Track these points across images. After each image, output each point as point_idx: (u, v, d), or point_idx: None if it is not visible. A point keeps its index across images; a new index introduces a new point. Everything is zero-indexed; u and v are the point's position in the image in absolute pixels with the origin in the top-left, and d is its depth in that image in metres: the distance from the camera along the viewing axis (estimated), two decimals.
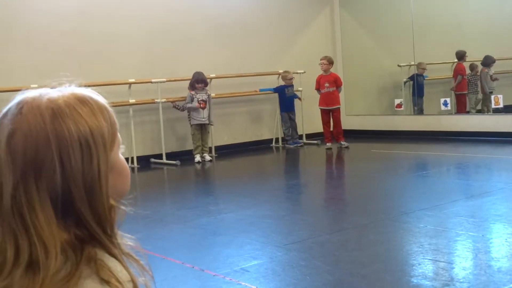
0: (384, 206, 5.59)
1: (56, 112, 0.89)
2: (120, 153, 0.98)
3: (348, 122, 10.83)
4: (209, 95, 9.14)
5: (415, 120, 10.74)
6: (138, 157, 8.79)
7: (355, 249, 4.23)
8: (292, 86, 10.22)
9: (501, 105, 9.88)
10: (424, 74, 10.94)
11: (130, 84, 8.73)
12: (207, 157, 9.08)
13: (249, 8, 10.42)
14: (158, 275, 3.84)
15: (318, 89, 9.81)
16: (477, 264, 3.80)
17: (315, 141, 10.35)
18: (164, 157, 9.03)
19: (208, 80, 9.25)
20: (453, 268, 3.75)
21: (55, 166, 0.87)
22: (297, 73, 10.39)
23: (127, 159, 8.87)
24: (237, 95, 10.11)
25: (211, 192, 7.23)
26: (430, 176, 7.28)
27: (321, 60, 9.73)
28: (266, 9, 10.64)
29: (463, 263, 3.83)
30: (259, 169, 8.80)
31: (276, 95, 10.33)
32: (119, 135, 0.97)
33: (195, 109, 8.99)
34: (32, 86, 7.45)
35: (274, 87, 10.29)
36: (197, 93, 9.01)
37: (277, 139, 10.48)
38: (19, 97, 0.93)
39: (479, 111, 10.60)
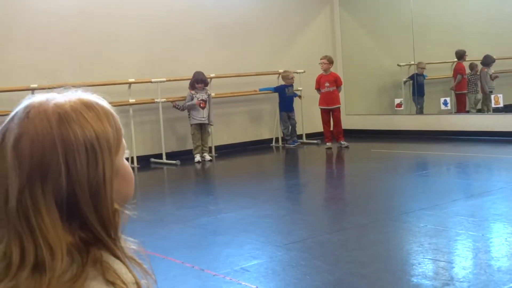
0: (384, 206, 5.59)
1: (63, 116, 0.90)
2: (125, 159, 0.99)
3: (348, 121, 10.83)
4: (209, 95, 9.15)
5: (415, 120, 10.75)
6: (138, 157, 8.78)
7: (355, 249, 4.23)
8: (292, 85, 10.23)
9: (501, 105, 9.88)
10: (424, 74, 10.94)
11: (130, 84, 8.73)
12: (207, 157, 9.08)
13: (249, 8, 10.42)
14: (158, 275, 3.83)
15: (318, 88, 9.81)
16: (477, 263, 3.80)
17: (315, 141, 10.35)
18: (164, 157, 9.04)
19: (208, 80, 9.25)
20: (453, 267, 3.76)
21: (61, 170, 0.88)
22: (297, 72, 10.39)
23: (127, 158, 8.93)
24: (237, 94, 10.11)
25: (211, 191, 7.23)
26: (430, 176, 7.28)
27: (321, 59, 9.73)
28: (266, 9, 10.64)
29: (463, 263, 3.83)
30: (259, 169, 8.81)
31: (276, 95, 10.33)
32: (124, 140, 0.98)
33: (195, 108, 8.99)
34: (32, 86, 7.49)
35: (274, 86, 10.30)
36: (197, 93, 9.01)
37: (277, 139, 10.48)
38: (26, 101, 0.94)
39: (479, 111, 10.60)
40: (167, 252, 4.30)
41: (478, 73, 10.61)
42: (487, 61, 10.40)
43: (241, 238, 4.64)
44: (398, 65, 11.13)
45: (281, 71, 10.34)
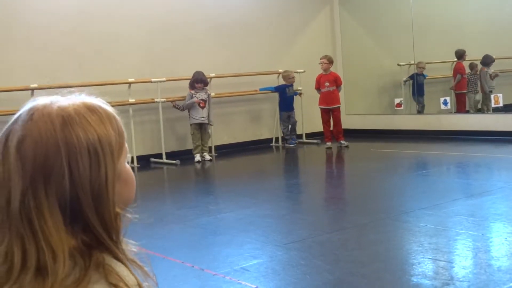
0: (384, 206, 5.59)
1: (66, 119, 0.91)
2: (127, 162, 0.99)
3: (348, 121, 10.83)
4: (208, 95, 9.15)
5: (415, 119, 10.75)
6: (138, 157, 8.79)
7: (355, 248, 4.23)
8: (292, 85, 10.23)
9: (501, 104, 9.88)
10: (424, 73, 10.95)
11: (130, 83, 8.73)
12: (207, 157, 9.09)
13: (249, 8, 10.42)
14: (158, 274, 3.83)
15: (318, 88, 9.81)
16: (477, 263, 3.80)
17: (315, 141, 10.35)
18: (164, 156, 9.04)
19: (208, 80, 9.25)
20: (453, 267, 3.76)
21: (64, 172, 0.89)
22: (297, 72, 10.39)
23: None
24: (237, 94, 10.11)
25: (211, 191, 7.23)
26: (430, 175, 7.28)
27: (321, 59, 9.73)
28: (266, 9, 10.64)
29: (463, 262, 3.83)
30: (259, 169, 8.81)
31: (276, 94, 10.34)
32: (126, 144, 0.99)
33: (195, 108, 8.99)
34: (32, 86, 7.50)
35: (274, 86, 10.30)
36: (196, 93, 9.02)
37: (276, 139, 10.49)
38: (30, 104, 0.94)
39: (479, 110, 10.61)
40: (167, 252, 4.30)
41: (478, 73, 10.61)
42: (487, 60, 10.40)
43: (241, 238, 4.64)
44: (398, 64, 11.13)
45: (281, 71, 10.34)
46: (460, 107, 10.80)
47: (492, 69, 10.42)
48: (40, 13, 8.32)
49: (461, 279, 3.49)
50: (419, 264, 3.80)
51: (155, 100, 8.96)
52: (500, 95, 9.93)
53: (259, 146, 10.38)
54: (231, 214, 5.56)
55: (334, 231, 4.73)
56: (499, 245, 4.16)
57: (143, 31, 9.18)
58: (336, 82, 9.70)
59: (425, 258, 3.91)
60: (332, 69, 9.87)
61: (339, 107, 9.81)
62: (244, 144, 10.26)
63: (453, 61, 10.87)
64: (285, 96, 10.20)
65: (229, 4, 10.18)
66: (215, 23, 9.95)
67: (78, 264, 0.89)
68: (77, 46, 8.55)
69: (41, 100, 0.94)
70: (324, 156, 9.47)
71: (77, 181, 0.89)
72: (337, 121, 9.73)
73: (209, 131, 9.31)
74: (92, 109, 0.94)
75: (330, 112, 9.75)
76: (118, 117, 0.98)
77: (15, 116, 0.93)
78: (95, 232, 0.91)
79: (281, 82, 10.32)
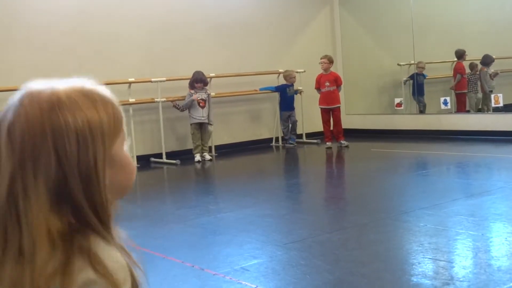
0: (384, 205, 5.59)
1: (56, 103, 0.91)
2: (125, 149, 0.99)
3: (348, 121, 10.83)
4: (208, 95, 9.15)
5: (415, 119, 10.75)
6: (138, 157, 8.79)
7: (355, 248, 4.23)
8: (292, 85, 10.24)
9: (501, 104, 9.89)
10: (424, 73, 10.95)
11: (130, 83, 8.73)
12: (207, 157, 9.09)
13: (249, 8, 10.43)
14: (158, 274, 3.84)
15: (318, 88, 9.81)
16: (477, 263, 3.80)
17: (315, 140, 10.35)
18: (164, 156, 9.04)
19: (208, 80, 9.26)
20: (453, 267, 3.76)
21: (50, 156, 0.89)
22: (297, 72, 10.39)
23: None
24: (237, 94, 10.11)
25: (211, 191, 7.23)
26: (430, 175, 7.28)
27: (321, 59, 9.73)
28: (266, 9, 10.64)
29: (463, 262, 3.83)
30: (259, 168, 8.81)
31: (276, 94, 10.35)
32: (125, 130, 0.99)
33: (194, 107, 8.99)
34: None
35: (275, 86, 10.31)
36: (196, 92, 9.02)
37: (276, 138, 10.49)
38: (24, 88, 0.95)
39: (479, 110, 10.61)
40: (167, 252, 4.31)
41: (478, 73, 10.61)
42: (487, 60, 10.40)
43: (241, 238, 4.64)
44: (398, 64, 11.13)
45: (281, 70, 10.34)
46: (460, 107, 10.80)
47: (492, 69, 10.42)
48: (40, 13, 8.32)
49: (461, 279, 3.49)
50: (419, 264, 3.80)
51: (155, 100, 8.96)
52: (500, 95, 9.93)
53: (259, 146, 10.38)
54: (231, 213, 5.56)
55: (334, 231, 4.73)
56: (499, 245, 4.16)
57: (143, 31, 9.18)
58: (336, 82, 9.70)
59: (425, 258, 3.91)
60: (332, 69, 9.88)
61: (339, 107, 9.81)
62: (244, 144, 10.26)
63: (453, 61, 10.87)
64: (286, 96, 10.20)
65: (229, 4, 10.18)
66: (215, 23, 9.95)
67: (60, 250, 0.89)
68: (77, 46, 8.55)
69: (35, 84, 0.95)
70: (324, 156, 9.47)
71: (65, 164, 0.90)
72: (337, 121, 9.73)
73: (210, 128, 9.29)
74: (86, 94, 0.94)
75: (330, 112, 9.75)
76: (116, 103, 0.98)
77: (10, 102, 0.94)
78: (83, 214, 0.91)
79: (281, 82, 10.32)
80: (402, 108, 10.87)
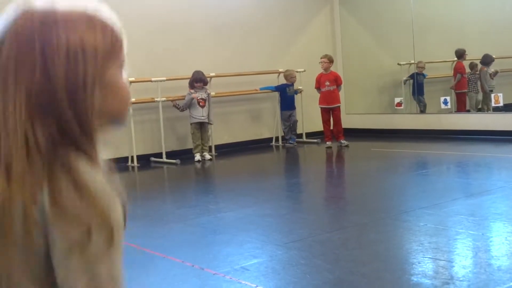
0: (384, 205, 5.59)
1: (51, 19, 0.91)
2: (123, 75, 0.98)
3: (348, 120, 10.83)
4: (208, 94, 9.15)
5: (415, 119, 10.75)
6: (138, 156, 8.79)
7: (355, 248, 4.24)
8: (292, 85, 10.23)
9: (501, 104, 9.89)
10: (424, 73, 10.95)
11: (130, 83, 8.71)
12: (207, 156, 9.09)
13: (249, 8, 10.42)
14: (158, 274, 3.84)
15: (318, 87, 9.81)
16: (477, 262, 3.80)
17: (315, 140, 10.35)
18: (164, 156, 9.04)
19: (208, 79, 9.25)
20: (453, 266, 3.76)
21: (35, 66, 0.89)
22: (297, 71, 10.39)
23: (127, 158, 8.86)
24: (237, 94, 10.11)
25: (211, 191, 7.23)
26: (430, 175, 7.28)
27: (321, 58, 9.73)
28: (266, 9, 10.64)
29: (463, 262, 3.84)
30: (259, 168, 8.80)
31: (276, 94, 10.35)
32: (124, 54, 0.98)
33: (194, 106, 8.99)
34: None
35: (275, 85, 10.31)
36: (196, 92, 9.02)
37: (277, 138, 10.49)
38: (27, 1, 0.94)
39: (479, 110, 10.61)
40: (167, 251, 4.31)
41: (478, 73, 10.61)
42: (487, 60, 10.40)
43: (241, 237, 4.64)
44: (398, 64, 11.13)
45: (281, 70, 10.34)
46: (460, 107, 10.80)
47: (492, 69, 10.42)
48: None
49: (461, 279, 3.49)
50: (419, 263, 3.80)
51: (155, 99, 8.96)
52: (500, 95, 9.93)
53: (259, 145, 10.38)
54: (231, 213, 5.56)
55: (334, 231, 4.73)
56: (499, 244, 4.16)
57: (143, 30, 9.17)
58: (337, 81, 9.70)
59: (425, 257, 3.91)
60: (332, 68, 9.87)
61: (339, 107, 9.81)
62: (244, 143, 10.26)
63: (453, 61, 10.87)
64: (286, 96, 10.20)
65: (229, 4, 10.17)
66: (215, 23, 9.94)
67: (39, 162, 0.88)
68: None
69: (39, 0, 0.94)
70: (324, 156, 9.47)
71: (52, 76, 0.89)
72: (337, 121, 9.73)
73: (208, 129, 9.28)
74: (87, 16, 0.94)
75: (330, 112, 9.75)
76: (117, 28, 0.99)
77: (10, 9, 0.94)
78: (68, 127, 0.90)
79: (281, 81, 10.32)
80: (402, 107, 10.87)
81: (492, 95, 10.12)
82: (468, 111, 10.66)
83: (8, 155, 0.88)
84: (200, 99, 9.00)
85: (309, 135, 10.65)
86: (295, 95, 10.31)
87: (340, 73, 10.51)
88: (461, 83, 10.73)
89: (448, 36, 11.02)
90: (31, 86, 0.89)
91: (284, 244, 4.38)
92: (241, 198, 6.24)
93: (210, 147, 9.41)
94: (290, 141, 10.20)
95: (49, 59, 0.89)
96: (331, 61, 9.76)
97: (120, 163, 8.46)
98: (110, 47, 0.95)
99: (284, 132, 10.32)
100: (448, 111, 10.50)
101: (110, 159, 0.97)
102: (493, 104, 10.06)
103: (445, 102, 10.41)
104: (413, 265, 3.81)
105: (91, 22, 0.94)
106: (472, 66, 10.64)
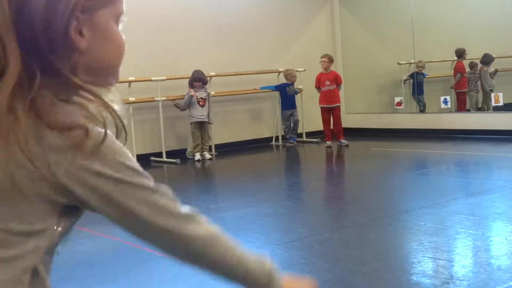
0: (384, 205, 5.59)
1: None
2: (119, 27, 0.97)
3: (348, 120, 10.83)
4: (208, 93, 9.15)
5: (415, 118, 10.75)
6: (138, 156, 8.78)
7: (355, 247, 4.24)
8: (292, 84, 10.24)
9: (501, 103, 9.89)
10: (424, 72, 10.95)
11: (130, 82, 8.72)
12: (207, 156, 9.09)
13: (249, 8, 10.42)
14: (157, 273, 3.84)
15: (318, 87, 9.81)
16: (477, 262, 3.80)
17: (315, 139, 10.36)
18: (164, 155, 9.04)
19: (208, 79, 9.26)
20: (453, 266, 3.76)
21: None
22: (297, 71, 10.39)
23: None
24: (237, 93, 10.11)
25: (211, 190, 7.23)
26: (430, 174, 7.28)
27: (321, 58, 9.73)
28: (266, 8, 10.64)
29: (463, 261, 3.84)
30: (259, 167, 8.81)
31: (276, 93, 10.35)
32: (123, 7, 0.96)
33: (194, 106, 8.99)
34: None
35: (275, 85, 10.31)
36: (196, 91, 9.02)
37: (277, 137, 10.49)
38: None
39: (479, 109, 10.61)
40: None
41: (478, 72, 10.62)
42: (487, 59, 10.41)
43: (241, 237, 4.64)
44: (398, 63, 11.13)
45: (281, 69, 10.34)
46: (460, 106, 10.80)
47: (492, 68, 10.42)
48: None
49: (461, 278, 3.50)
50: (419, 263, 3.81)
51: (155, 98, 8.96)
52: (500, 94, 9.93)
53: (259, 145, 10.38)
54: (231, 213, 5.57)
55: (334, 230, 4.73)
56: (499, 244, 4.16)
57: (143, 30, 9.17)
58: (337, 81, 9.70)
59: (425, 257, 3.91)
60: (332, 68, 9.88)
61: (339, 106, 9.81)
62: (244, 142, 10.26)
63: (453, 60, 10.87)
64: (286, 95, 10.20)
65: (230, 4, 10.18)
66: (216, 23, 9.95)
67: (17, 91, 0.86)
68: None
69: None
70: (324, 155, 9.47)
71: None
72: (337, 120, 9.73)
73: (208, 128, 9.28)
74: None
75: (330, 111, 9.75)
76: None
77: None
78: (40, 51, 0.88)
79: (282, 80, 10.32)
80: (402, 107, 10.87)
81: (492, 95, 10.12)
82: (468, 110, 10.66)
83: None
84: (200, 98, 9.00)
85: (309, 134, 10.65)
86: (295, 95, 10.31)
87: (340, 72, 10.52)
88: (461, 82, 10.73)
89: (448, 36, 11.02)
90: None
91: (284, 243, 4.38)
92: (241, 197, 6.25)
93: (210, 147, 9.41)
94: (290, 141, 10.20)
95: None
96: (331, 60, 9.76)
97: None
98: None
99: (284, 131, 10.32)
100: (448, 111, 10.51)
101: None
102: (493, 104, 10.06)
103: (445, 102, 10.42)
104: (413, 265, 3.81)
105: None
106: (472, 65, 10.64)
